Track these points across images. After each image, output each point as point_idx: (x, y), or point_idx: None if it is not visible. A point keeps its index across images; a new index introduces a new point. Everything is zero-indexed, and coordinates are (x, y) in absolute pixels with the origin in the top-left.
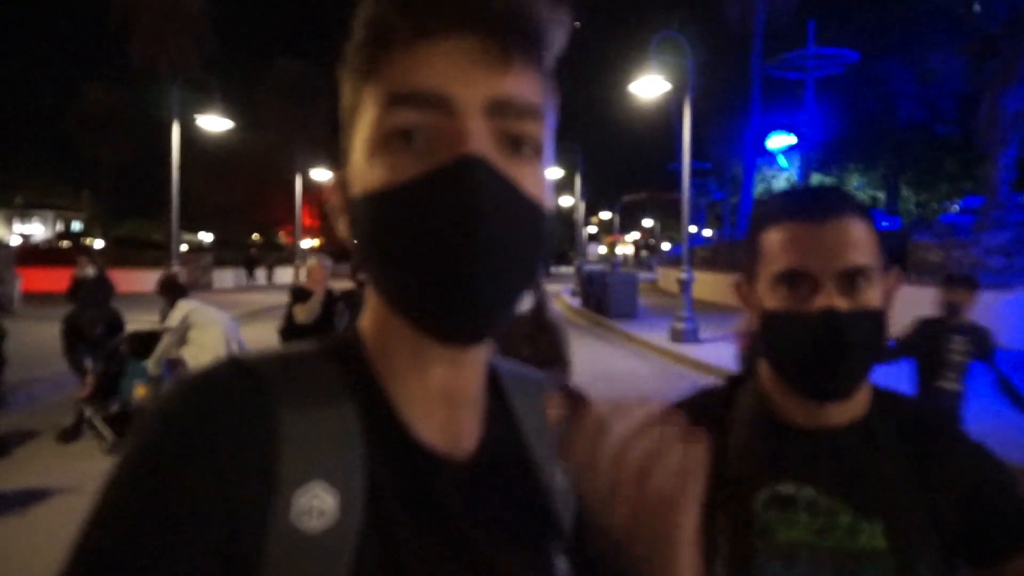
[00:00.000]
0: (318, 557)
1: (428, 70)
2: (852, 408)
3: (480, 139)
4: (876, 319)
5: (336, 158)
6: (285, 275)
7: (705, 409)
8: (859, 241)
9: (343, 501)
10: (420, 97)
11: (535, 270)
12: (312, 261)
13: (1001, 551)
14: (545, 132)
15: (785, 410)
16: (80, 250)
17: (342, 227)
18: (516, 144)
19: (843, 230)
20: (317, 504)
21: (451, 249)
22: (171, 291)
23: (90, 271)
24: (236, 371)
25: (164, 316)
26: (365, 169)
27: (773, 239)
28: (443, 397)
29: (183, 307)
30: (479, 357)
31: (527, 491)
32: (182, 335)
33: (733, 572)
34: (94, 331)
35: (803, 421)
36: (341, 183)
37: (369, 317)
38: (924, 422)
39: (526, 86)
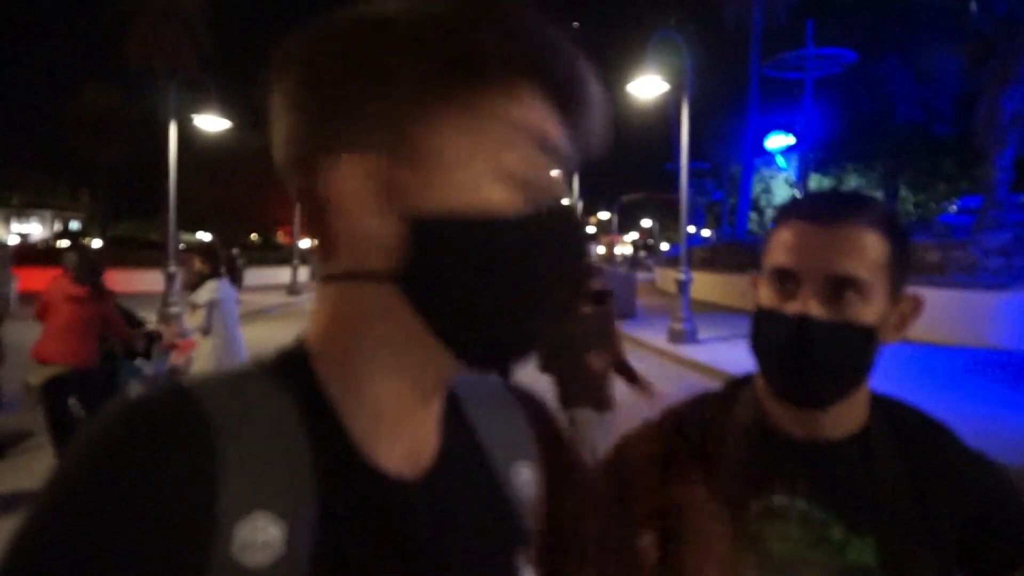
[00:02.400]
0: None
1: (548, 119)
2: (848, 420)
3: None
4: (860, 334)
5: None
6: (278, 275)
7: (701, 415)
8: (861, 251)
9: (290, 532)
10: (551, 147)
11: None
12: None
13: (1002, 563)
14: None
15: (780, 421)
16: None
17: (357, 225)
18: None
19: (846, 237)
20: (261, 536)
21: (566, 285)
22: (212, 260)
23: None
24: (174, 396)
25: (191, 286)
26: (469, 187)
27: (779, 236)
28: (410, 417)
29: (210, 291)
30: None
31: (488, 502)
32: (208, 321)
33: None
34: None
35: (798, 433)
36: (390, 176)
37: (334, 330)
38: (924, 433)
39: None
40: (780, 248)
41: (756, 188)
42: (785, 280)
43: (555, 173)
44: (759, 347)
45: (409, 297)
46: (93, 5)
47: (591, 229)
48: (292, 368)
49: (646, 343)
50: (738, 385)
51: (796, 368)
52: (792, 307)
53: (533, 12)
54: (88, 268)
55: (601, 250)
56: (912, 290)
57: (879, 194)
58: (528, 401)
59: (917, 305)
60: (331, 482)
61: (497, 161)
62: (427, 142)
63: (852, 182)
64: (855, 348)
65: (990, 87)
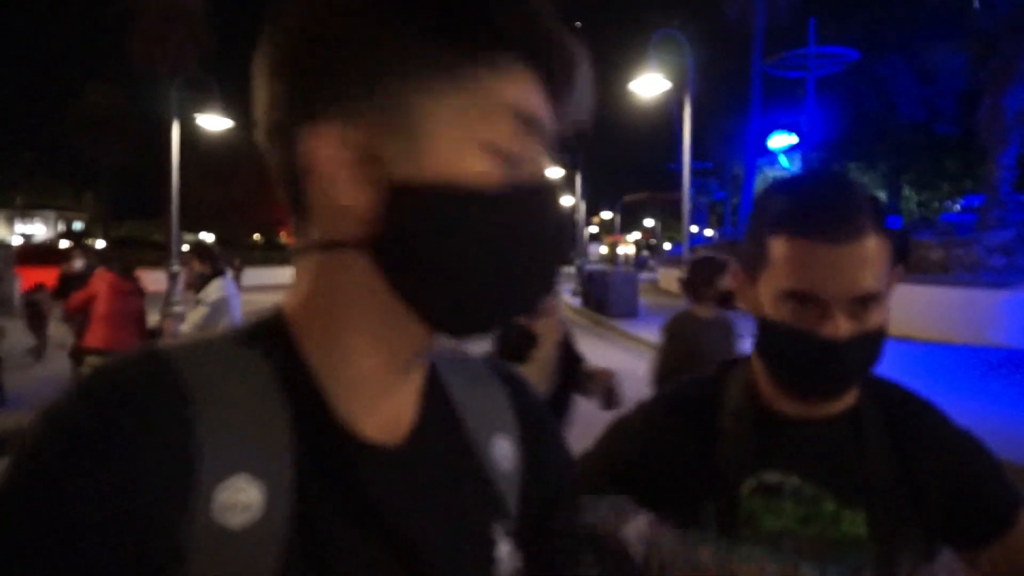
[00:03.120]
0: (243, 552)
1: (534, 94)
2: (840, 400)
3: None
4: (878, 336)
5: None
6: (280, 275)
7: (694, 398)
8: (874, 262)
9: (269, 494)
10: (532, 120)
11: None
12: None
13: (984, 535)
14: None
15: (773, 400)
16: (76, 246)
17: (338, 190)
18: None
19: (860, 253)
20: (242, 498)
21: (544, 259)
22: (210, 260)
23: (79, 264)
24: (147, 362)
25: (194, 286)
26: (453, 160)
27: (784, 251)
28: (388, 386)
29: (217, 290)
30: None
31: (465, 474)
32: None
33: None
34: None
35: (791, 411)
36: (370, 145)
37: (312, 298)
38: (910, 409)
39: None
40: (793, 268)
41: (759, 187)
42: (806, 302)
43: (539, 150)
44: (778, 360)
45: (381, 265)
46: (96, 5)
47: (593, 229)
48: (269, 335)
49: (648, 342)
50: (729, 366)
51: (823, 380)
52: (822, 330)
53: None
54: (125, 266)
55: (603, 250)
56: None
57: (882, 193)
58: (511, 379)
59: (899, 274)
60: (308, 446)
61: (479, 134)
62: (408, 111)
63: None
64: (874, 350)
65: (993, 86)
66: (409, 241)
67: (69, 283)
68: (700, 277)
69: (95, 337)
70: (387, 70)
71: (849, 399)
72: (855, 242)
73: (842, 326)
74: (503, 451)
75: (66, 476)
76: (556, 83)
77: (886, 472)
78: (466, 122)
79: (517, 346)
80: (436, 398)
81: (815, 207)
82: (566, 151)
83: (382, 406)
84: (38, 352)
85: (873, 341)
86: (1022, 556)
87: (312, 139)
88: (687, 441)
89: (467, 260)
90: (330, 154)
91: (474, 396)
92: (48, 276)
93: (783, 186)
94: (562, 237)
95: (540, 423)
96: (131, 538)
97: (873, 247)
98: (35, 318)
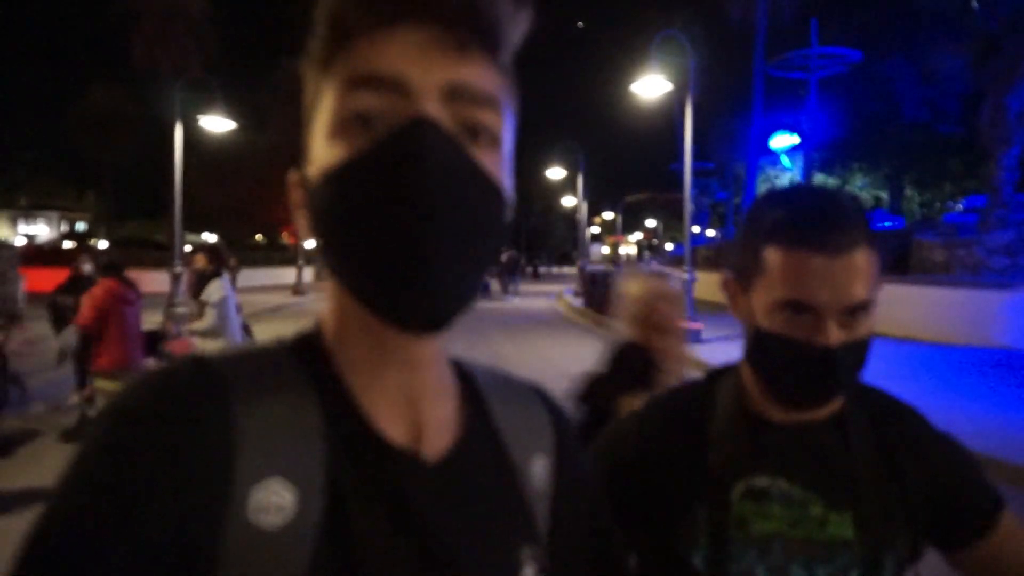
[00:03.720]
0: (275, 553)
1: (387, 56)
2: (828, 405)
3: (435, 111)
4: (867, 345)
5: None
6: (283, 276)
7: (685, 403)
8: (865, 273)
9: (301, 497)
10: (378, 79)
11: (492, 256)
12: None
13: (967, 536)
14: (503, 125)
15: (762, 406)
16: (82, 248)
17: (302, 223)
18: (473, 132)
19: (853, 264)
20: (275, 500)
21: (404, 217)
22: (216, 260)
23: (87, 267)
24: (195, 368)
25: (198, 285)
26: (322, 154)
27: (779, 261)
28: (404, 393)
29: (219, 290)
30: (438, 354)
31: (502, 494)
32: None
33: (710, 562)
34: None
35: (779, 416)
36: (302, 178)
37: (329, 309)
38: (895, 414)
39: (483, 76)
40: (788, 279)
41: (761, 188)
42: (800, 310)
43: (431, 107)
44: (771, 369)
45: (330, 270)
46: (99, 6)
47: (595, 229)
48: (308, 346)
49: None
50: (719, 374)
51: (816, 387)
52: (816, 339)
53: None
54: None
55: (606, 250)
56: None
57: (885, 193)
58: (547, 399)
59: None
60: (342, 453)
61: (340, 114)
62: (313, 117)
63: (857, 181)
64: (864, 358)
65: (995, 86)
66: (320, 240)
67: (80, 283)
68: None
69: (117, 357)
70: (309, 119)
71: (835, 404)
72: (848, 254)
73: (834, 335)
74: (540, 469)
75: (122, 466)
76: (453, 27)
77: (872, 475)
78: (332, 108)
79: (638, 370)
80: (478, 415)
81: (810, 219)
82: (568, 152)
83: (410, 417)
84: (63, 355)
85: (861, 348)
86: (1003, 557)
87: (290, 185)
88: (679, 447)
89: (346, 235)
90: (294, 194)
91: (516, 415)
92: (51, 277)
93: (777, 197)
94: (425, 188)
95: (573, 443)
96: (176, 525)
97: (864, 258)
98: (60, 322)
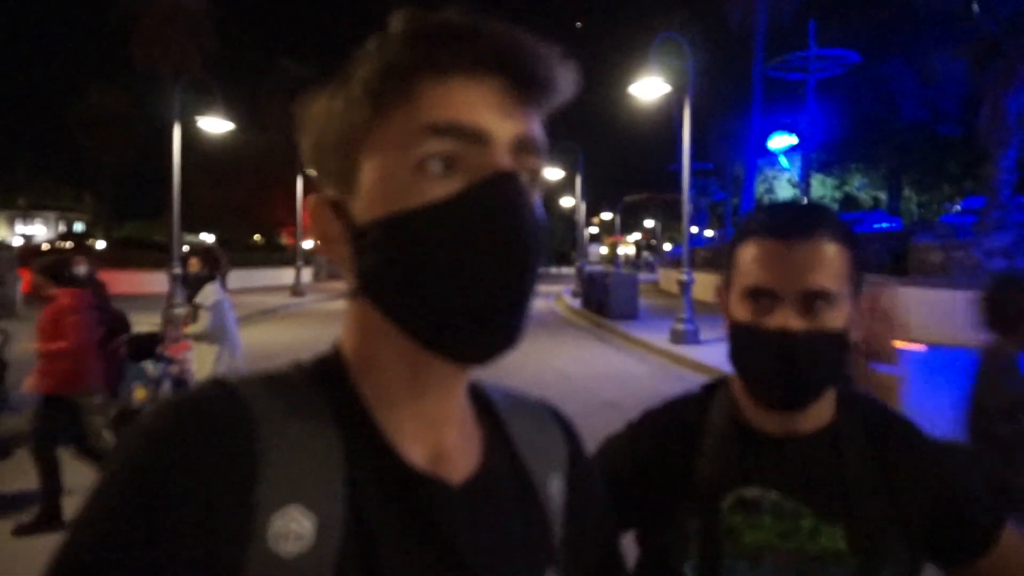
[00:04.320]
0: None
1: (466, 106)
2: (818, 415)
3: (509, 162)
4: (834, 340)
5: (331, 175)
6: (281, 276)
7: (679, 415)
8: (826, 264)
9: (321, 525)
10: (458, 128)
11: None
12: None
13: (968, 553)
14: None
15: (755, 418)
16: (79, 249)
17: (337, 252)
18: (532, 179)
19: (811, 251)
20: (294, 528)
21: (497, 259)
22: (210, 263)
23: (82, 270)
24: (220, 393)
25: (191, 288)
26: (389, 193)
27: (747, 253)
28: (429, 418)
29: (214, 293)
30: (467, 379)
31: (525, 516)
32: (212, 327)
33: (702, 572)
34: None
35: (772, 428)
36: (338, 206)
37: (354, 339)
38: (890, 426)
39: (538, 128)
40: (753, 266)
41: (759, 188)
42: (760, 298)
43: (483, 153)
44: (741, 362)
45: (375, 306)
46: (98, 7)
47: (593, 229)
48: (328, 373)
49: (648, 344)
50: (714, 386)
51: (779, 378)
52: (773, 322)
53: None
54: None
55: (604, 250)
56: (877, 287)
57: (883, 194)
58: (561, 418)
59: (872, 302)
60: (366, 479)
61: (415, 159)
62: (359, 161)
63: (855, 182)
64: (830, 353)
65: (994, 88)
66: (377, 276)
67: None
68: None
69: (97, 375)
70: (345, 126)
71: (825, 415)
72: (806, 240)
73: (792, 320)
74: (557, 487)
75: (147, 490)
76: (520, 83)
77: (867, 487)
78: (390, 151)
79: None
80: (498, 437)
81: (779, 213)
82: (567, 152)
83: (435, 443)
84: None
85: (829, 342)
86: (1005, 574)
87: (315, 209)
88: (672, 458)
89: (429, 275)
90: (325, 215)
91: (533, 435)
92: None
93: (760, 208)
94: (518, 235)
95: (584, 459)
96: (202, 550)
97: (827, 249)
98: None
